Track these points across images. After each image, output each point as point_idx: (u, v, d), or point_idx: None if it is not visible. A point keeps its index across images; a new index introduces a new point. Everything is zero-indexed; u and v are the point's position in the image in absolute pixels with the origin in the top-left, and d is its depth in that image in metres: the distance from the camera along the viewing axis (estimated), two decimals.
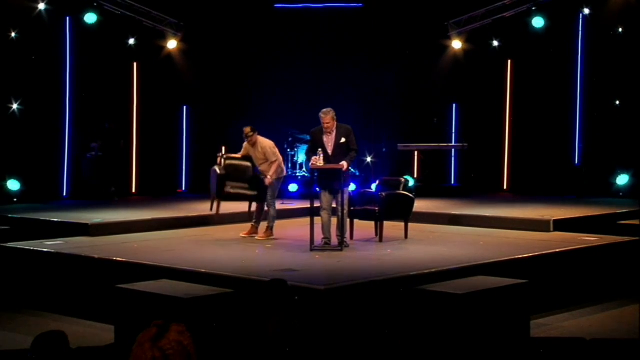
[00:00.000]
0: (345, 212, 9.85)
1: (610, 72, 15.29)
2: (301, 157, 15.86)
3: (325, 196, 9.89)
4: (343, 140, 9.80)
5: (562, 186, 15.44)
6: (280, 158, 10.95)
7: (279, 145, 16.14)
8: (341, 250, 9.61)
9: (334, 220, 9.90)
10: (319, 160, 9.63)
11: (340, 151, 9.79)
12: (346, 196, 9.87)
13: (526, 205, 13.42)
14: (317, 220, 9.80)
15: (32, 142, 14.51)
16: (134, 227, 11.35)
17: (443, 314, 7.04)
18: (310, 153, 10.05)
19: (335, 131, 9.81)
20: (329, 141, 9.81)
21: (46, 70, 14.84)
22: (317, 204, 9.92)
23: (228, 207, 13.70)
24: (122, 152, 15.89)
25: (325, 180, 9.90)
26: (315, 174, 10.10)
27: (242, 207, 13.79)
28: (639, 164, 14.62)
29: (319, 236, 9.84)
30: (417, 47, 16.83)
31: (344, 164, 9.66)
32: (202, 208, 13.37)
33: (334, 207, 9.97)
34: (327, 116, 9.74)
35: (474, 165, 16.74)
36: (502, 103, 16.91)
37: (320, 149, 9.72)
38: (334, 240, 9.87)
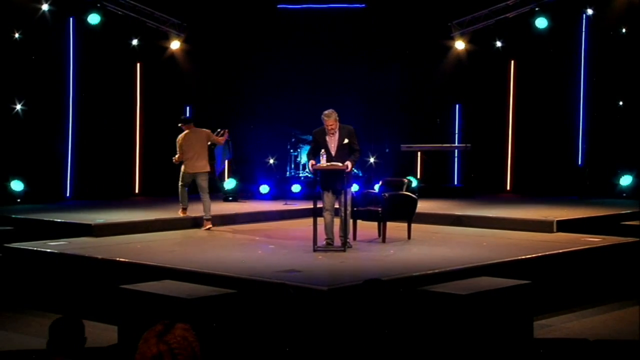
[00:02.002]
0: (348, 212, 9.84)
1: (614, 72, 15.27)
2: (304, 158, 15.86)
3: (328, 197, 9.87)
4: (346, 141, 9.78)
5: (565, 187, 15.43)
6: (182, 154, 11.79)
7: (281, 145, 16.32)
8: (344, 250, 9.60)
9: (337, 221, 9.89)
10: (323, 159, 9.64)
11: (344, 152, 9.78)
12: (349, 197, 9.86)
13: (529, 206, 13.40)
14: (320, 220, 9.80)
15: (35, 142, 14.52)
16: (137, 227, 11.35)
17: (446, 314, 7.03)
18: (311, 155, 10.04)
19: (338, 132, 9.80)
20: (332, 142, 9.79)
21: (49, 71, 14.85)
22: (319, 205, 9.91)
23: (229, 207, 13.75)
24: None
25: (327, 181, 9.89)
26: (318, 175, 10.08)
27: (242, 208, 13.83)
28: None
29: (322, 237, 9.83)
30: (420, 47, 16.82)
31: (349, 164, 9.65)
32: None
33: (336, 208, 9.96)
34: (330, 118, 9.72)
35: (477, 166, 16.73)
36: (505, 103, 16.91)
37: (323, 150, 9.71)
38: (337, 240, 9.86)
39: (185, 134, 11.89)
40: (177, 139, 11.91)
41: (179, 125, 12.08)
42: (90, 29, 14.99)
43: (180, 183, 11.93)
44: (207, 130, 12.10)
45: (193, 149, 11.76)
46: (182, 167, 11.87)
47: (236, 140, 17.03)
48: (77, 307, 8.91)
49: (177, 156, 11.90)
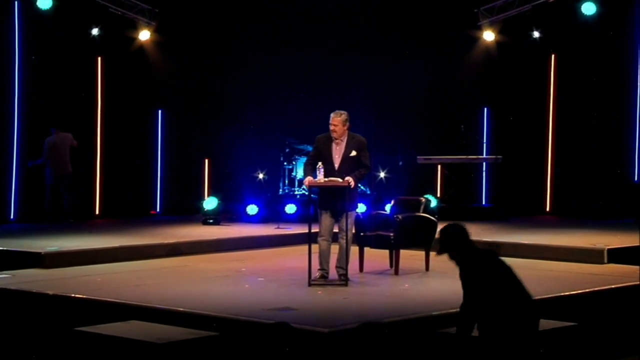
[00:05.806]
0: (349, 238, 9.79)
1: None
2: (300, 173, 15.84)
3: (326, 219, 9.81)
4: (354, 153, 9.74)
5: (618, 208, 15.41)
6: (49, 157, 15.03)
7: (273, 157, 16.33)
8: (345, 285, 9.57)
9: (335, 249, 9.84)
10: (320, 173, 9.62)
11: (349, 166, 9.73)
12: (350, 219, 9.80)
13: (574, 231, 13.39)
14: (317, 248, 9.80)
15: None
16: (97, 256, 11.33)
17: None
18: (308, 166, 9.98)
19: (345, 141, 9.77)
20: (337, 152, 9.77)
21: None
22: (315, 229, 9.87)
23: (210, 232, 13.74)
24: None
25: (327, 199, 9.83)
26: (313, 193, 10.05)
27: (226, 233, 13.82)
28: None
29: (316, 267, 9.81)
30: (441, 39, 16.86)
31: (350, 179, 9.60)
32: (181, 234, 13.39)
33: (336, 232, 9.89)
34: (337, 117, 9.70)
35: (510, 182, 16.73)
36: (543, 107, 16.95)
37: (320, 163, 9.67)
38: (333, 273, 9.81)
39: (53, 137, 15.07)
40: (47, 142, 14.95)
41: (50, 127, 15.14)
42: (40, 15, 15.02)
43: (50, 189, 15.08)
44: (69, 134, 15.24)
45: (61, 153, 15.08)
46: (50, 172, 15.01)
47: (219, 149, 17.06)
48: (23, 354, 8.88)
49: (44, 158, 15.04)
